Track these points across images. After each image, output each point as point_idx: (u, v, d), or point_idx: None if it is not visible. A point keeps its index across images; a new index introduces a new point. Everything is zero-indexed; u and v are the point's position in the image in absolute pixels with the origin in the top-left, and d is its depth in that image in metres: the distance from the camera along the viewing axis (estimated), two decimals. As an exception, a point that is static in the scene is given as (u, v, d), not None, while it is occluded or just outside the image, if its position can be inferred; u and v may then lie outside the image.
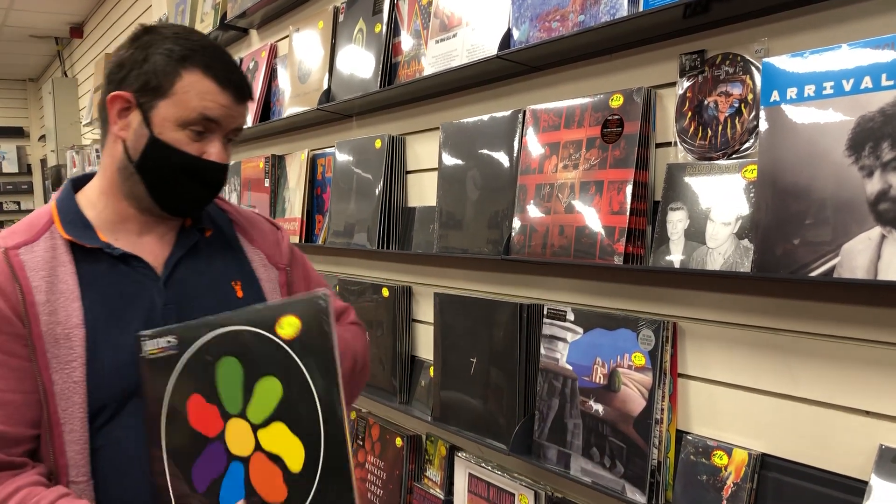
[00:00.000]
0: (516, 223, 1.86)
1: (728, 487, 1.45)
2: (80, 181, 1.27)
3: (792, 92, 1.29)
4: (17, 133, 11.21)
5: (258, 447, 1.03)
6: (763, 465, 1.44)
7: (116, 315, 1.12)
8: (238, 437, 1.04)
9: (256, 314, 1.06)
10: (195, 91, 1.12)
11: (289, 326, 1.03)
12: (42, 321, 1.09)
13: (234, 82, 1.16)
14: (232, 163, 3.55)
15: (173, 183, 1.16)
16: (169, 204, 1.20)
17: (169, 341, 1.09)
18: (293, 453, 1.02)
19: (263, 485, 1.03)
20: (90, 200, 1.22)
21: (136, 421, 1.12)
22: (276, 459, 1.02)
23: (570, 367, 1.76)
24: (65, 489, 1.08)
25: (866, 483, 1.27)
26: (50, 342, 1.08)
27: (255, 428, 1.03)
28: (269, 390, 1.03)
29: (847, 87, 1.22)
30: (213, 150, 1.16)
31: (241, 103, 1.18)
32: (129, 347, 1.11)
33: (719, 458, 1.48)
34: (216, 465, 1.05)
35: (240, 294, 1.26)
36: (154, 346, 1.09)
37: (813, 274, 1.23)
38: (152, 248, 1.21)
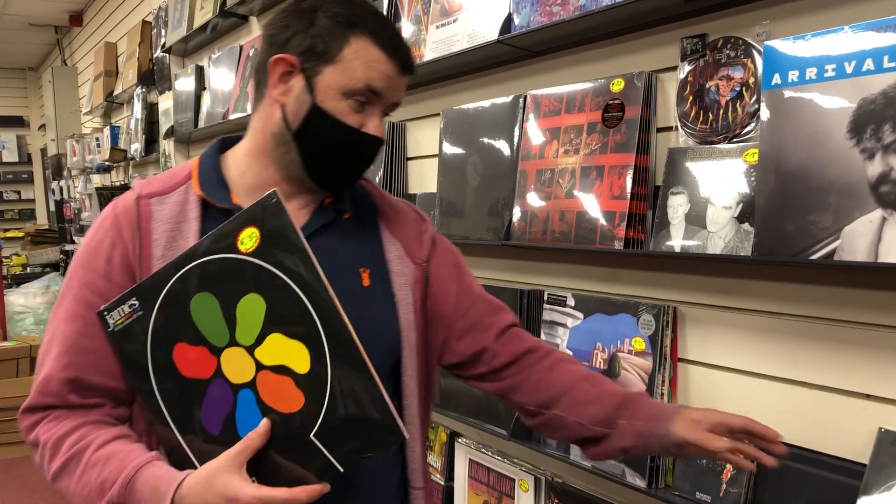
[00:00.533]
0: (517, 209, 1.85)
1: (728, 471, 1.45)
2: (230, 141, 1.22)
3: (793, 75, 1.29)
4: (17, 122, 11.19)
5: (260, 367, 1.00)
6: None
7: None
8: (236, 366, 1.01)
9: (213, 241, 1.02)
10: (362, 59, 1.06)
11: (248, 239, 1.00)
12: None
13: (402, 52, 1.11)
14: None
15: (330, 154, 1.11)
16: (321, 175, 1.14)
17: (132, 305, 1.05)
18: (296, 356, 0.98)
19: (277, 399, 1.00)
20: (235, 161, 1.18)
21: None
22: (281, 370, 0.99)
23: (571, 353, 1.76)
24: (126, 430, 1.09)
25: (866, 466, 1.28)
26: None
27: (250, 350, 1.00)
28: (252, 307, 1.00)
29: (849, 69, 1.21)
30: (372, 124, 1.11)
31: (404, 75, 1.13)
32: None
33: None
34: (223, 402, 1.02)
35: (366, 283, 1.18)
36: (118, 315, 1.06)
37: (813, 257, 1.23)
38: None
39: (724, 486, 1.45)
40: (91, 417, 1.07)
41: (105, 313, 1.06)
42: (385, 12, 2.38)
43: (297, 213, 1.17)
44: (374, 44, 1.07)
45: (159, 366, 1.05)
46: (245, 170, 1.16)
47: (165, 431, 1.07)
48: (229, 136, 1.23)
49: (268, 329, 0.99)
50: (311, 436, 0.99)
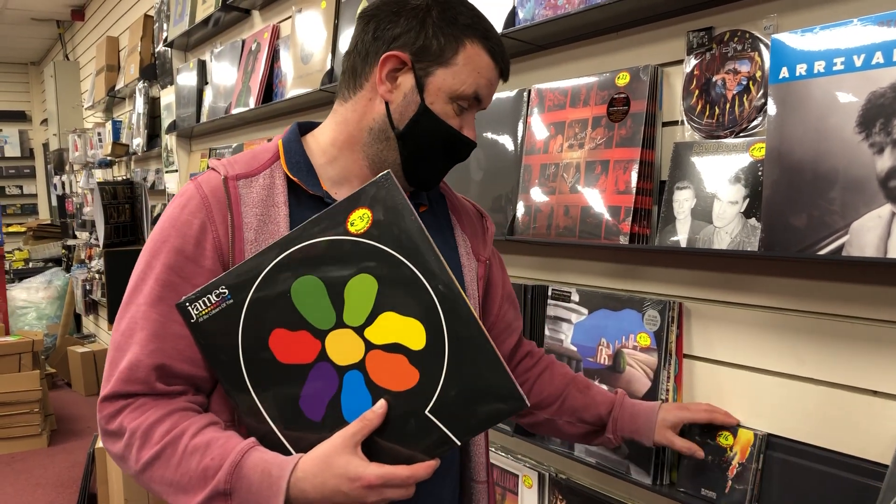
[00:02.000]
0: (521, 204, 1.84)
1: (733, 468, 1.44)
2: (307, 126, 1.21)
3: (801, 68, 1.27)
4: (20, 117, 11.20)
5: (370, 346, 0.99)
6: (769, 445, 1.43)
7: None
8: (344, 348, 0.99)
9: (318, 223, 1.00)
10: (473, 65, 1.07)
11: (359, 220, 0.99)
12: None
13: (506, 60, 1.11)
14: (234, 145, 3.54)
15: (431, 156, 1.11)
16: (417, 175, 1.13)
17: (220, 294, 1.02)
18: (411, 333, 0.97)
19: (389, 378, 0.98)
20: (320, 147, 1.16)
21: None
22: (394, 348, 0.98)
23: (575, 348, 1.76)
24: (215, 417, 1.06)
25: (874, 463, 1.27)
26: None
27: (359, 330, 0.99)
28: (362, 288, 0.99)
29: (858, 62, 1.20)
30: (469, 128, 1.11)
31: (501, 82, 1.14)
32: None
33: (724, 439, 1.47)
34: (327, 386, 1.00)
35: None
36: (203, 305, 1.02)
37: (821, 252, 1.22)
38: None
39: (729, 482, 1.44)
40: (177, 405, 1.05)
41: (187, 304, 1.03)
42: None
43: None
44: (484, 50, 1.07)
45: (253, 355, 1.02)
46: (332, 159, 1.15)
47: (254, 421, 1.04)
48: (304, 122, 1.21)
49: (380, 308, 0.98)
50: (427, 412, 0.97)
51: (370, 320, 0.99)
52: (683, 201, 1.50)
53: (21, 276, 7.93)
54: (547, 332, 1.84)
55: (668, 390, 1.56)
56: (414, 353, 0.97)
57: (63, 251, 8.62)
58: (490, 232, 1.33)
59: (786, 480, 1.39)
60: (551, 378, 1.44)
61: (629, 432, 1.39)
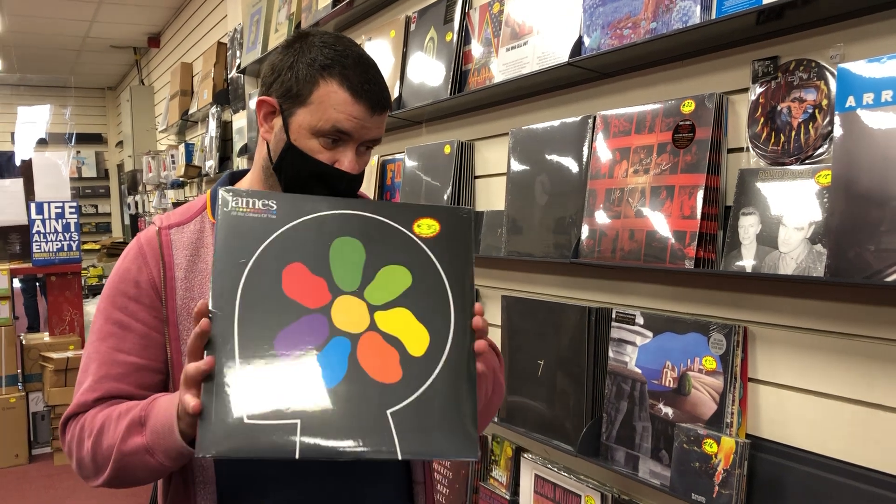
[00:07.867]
0: (585, 227, 1.88)
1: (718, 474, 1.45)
2: (238, 175, 1.35)
3: (868, 97, 1.29)
4: (96, 139, 11.70)
5: (373, 327, 1.01)
6: (834, 470, 1.43)
7: None
8: (348, 314, 1.02)
9: (393, 209, 1.07)
10: (330, 102, 1.15)
11: (427, 227, 1.06)
12: (178, 296, 1.19)
13: (369, 93, 1.17)
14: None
15: (304, 187, 1.20)
16: None
17: (267, 205, 1.06)
18: (416, 338, 1.01)
19: (373, 363, 0.99)
20: None
21: None
22: (393, 341, 1.01)
23: (640, 371, 1.78)
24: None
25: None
26: (183, 316, 1.19)
27: (372, 308, 1.02)
28: (396, 277, 1.04)
29: (926, 92, 1.21)
30: (344, 160, 1.18)
31: (375, 114, 1.18)
32: None
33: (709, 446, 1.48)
34: (313, 336, 1.00)
35: None
36: (244, 204, 1.05)
37: (889, 279, 1.23)
38: None
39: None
40: (114, 402, 1.17)
41: (229, 193, 1.06)
42: (455, 36, 2.44)
43: None
44: (341, 87, 1.15)
45: (261, 271, 1.02)
46: None
47: (220, 340, 0.97)
48: (237, 170, 1.35)
49: (401, 302, 1.03)
50: (389, 412, 0.97)
51: (386, 307, 1.03)
52: (749, 227, 1.52)
53: (95, 292, 8.26)
54: (611, 355, 1.87)
55: (732, 413, 1.58)
56: (407, 356, 1.00)
57: (135, 268, 8.91)
58: None
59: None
60: None
61: None
